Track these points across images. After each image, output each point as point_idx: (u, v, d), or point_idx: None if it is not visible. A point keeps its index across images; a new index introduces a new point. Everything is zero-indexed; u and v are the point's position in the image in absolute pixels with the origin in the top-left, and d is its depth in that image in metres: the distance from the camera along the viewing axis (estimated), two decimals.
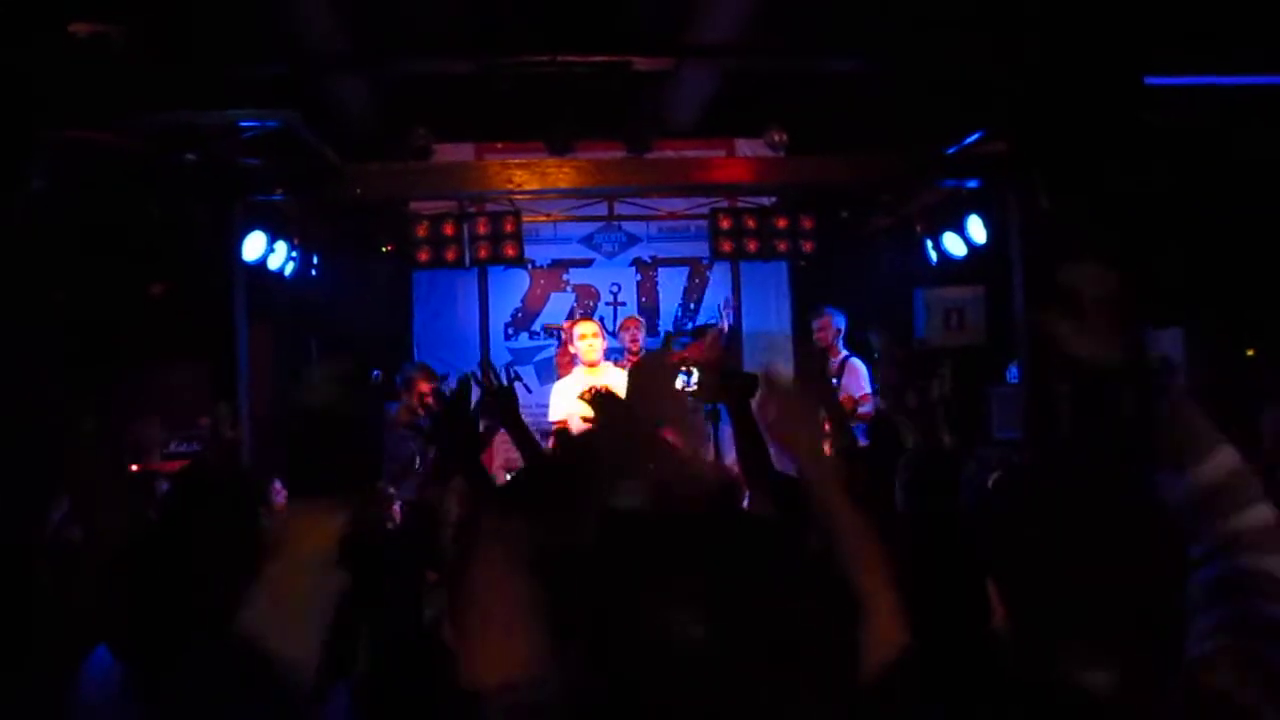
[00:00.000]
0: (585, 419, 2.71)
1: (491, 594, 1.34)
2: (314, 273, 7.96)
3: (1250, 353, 6.11)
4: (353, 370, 1.62)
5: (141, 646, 1.89)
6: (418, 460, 4.83)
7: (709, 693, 1.30)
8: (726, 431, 7.83)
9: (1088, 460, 1.95)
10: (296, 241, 7.50)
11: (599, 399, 2.75)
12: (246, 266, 6.67)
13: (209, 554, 1.94)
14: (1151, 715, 1.38)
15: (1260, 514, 1.61)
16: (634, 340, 7.43)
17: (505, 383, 3.00)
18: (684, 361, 5.12)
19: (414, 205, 8.09)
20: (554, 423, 6.43)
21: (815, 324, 7.51)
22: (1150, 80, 4.80)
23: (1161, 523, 1.64)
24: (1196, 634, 1.55)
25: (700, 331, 8.47)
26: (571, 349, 7.15)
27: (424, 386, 6.16)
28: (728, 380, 3.06)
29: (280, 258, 7.25)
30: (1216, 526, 1.61)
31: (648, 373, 1.68)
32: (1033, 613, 1.52)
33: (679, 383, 4.76)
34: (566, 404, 6.30)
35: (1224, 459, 1.65)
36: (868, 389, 7.26)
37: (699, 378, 4.54)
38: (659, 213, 8.66)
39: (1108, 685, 1.42)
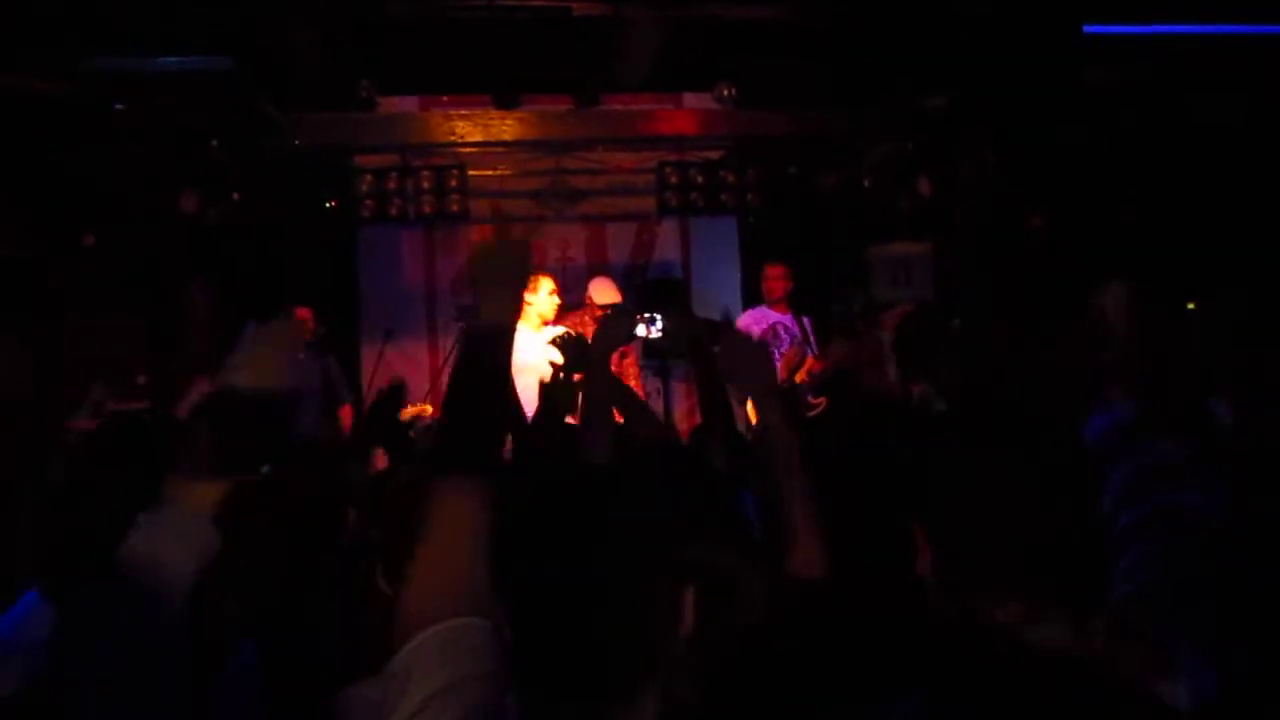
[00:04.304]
0: (554, 364, 2.74)
1: (440, 539, 1.33)
2: (255, 228, 7.81)
3: (1191, 306, 6.16)
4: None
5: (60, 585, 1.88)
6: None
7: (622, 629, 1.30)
8: (675, 387, 7.87)
9: (1016, 404, 1.95)
10: (236, 196, 7.35)
11: (567, 343, 2.77)
12: (184, 220, 6.54)
13: (119, 501, 1.92)
14: (1072, 657, 1.38)
15: (1166, 451, 1.62)
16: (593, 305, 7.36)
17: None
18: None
19: (359, 160, 7.97)
20: None
21: (770, 273, 7.40)
22: (1090, 29, 4.80)
23: (1087, 465, 1.64)
24: (1119, 575, 1.55)
25: (648, 286, 8.47)
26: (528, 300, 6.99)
27: None
28: (693, 328, 3.08)
29: (219, 212, 7.09)
30: (1129, 469, 1.62)
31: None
32: (958, 556, 1.51)
33: (641, 330, 4.74)
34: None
35: (1126, 405, 1.66)
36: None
37: (662, 325, 4.54)
38: (607, 168, 8.59)
39: (1032, 629, 1.41)
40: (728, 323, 2.30)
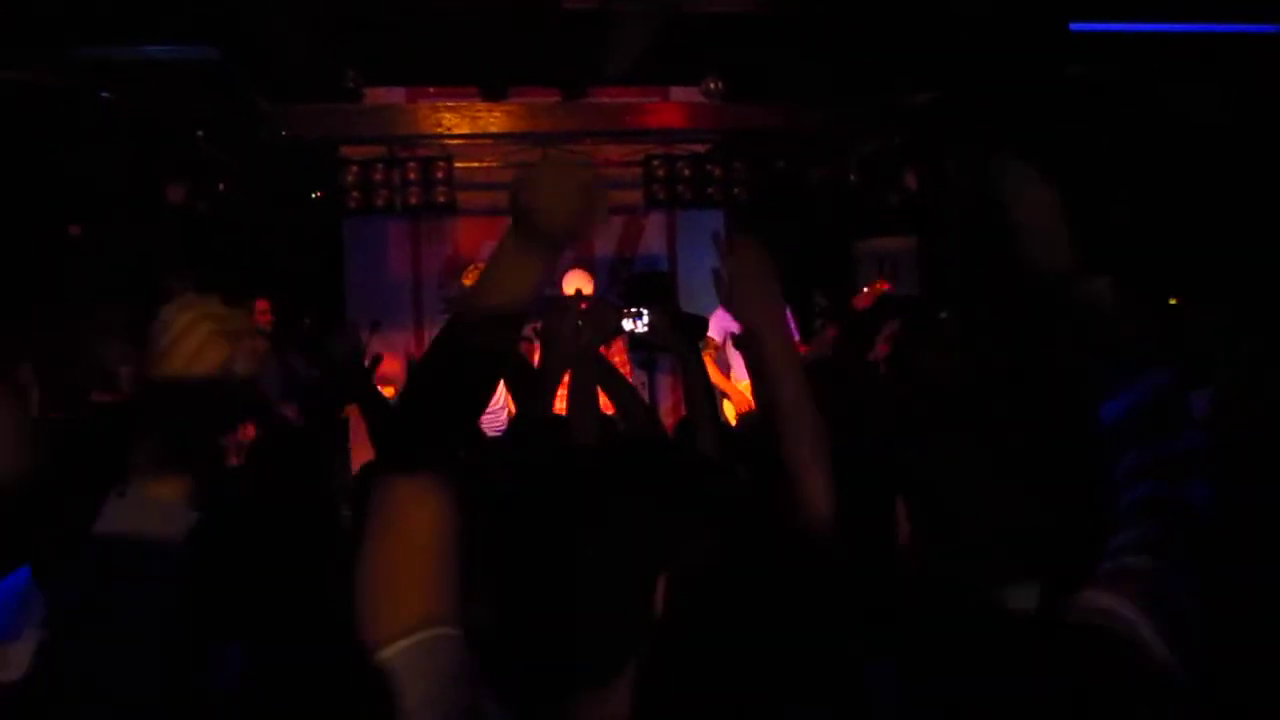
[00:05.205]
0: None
1: (403, 544, 1.31)
2: (241, 219, 7.78)
3: (1173, 301, 6.19)
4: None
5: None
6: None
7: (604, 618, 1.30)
8: (661, 379, 7.88)
9: (1007, 383, 1.96)
10: (223, 186, 7.32)
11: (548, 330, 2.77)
12: (170, 211, 6.51)
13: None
14: (1048, 632, 1.40)
15: (1189, 441, 1.63)
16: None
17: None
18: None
19: (345, 151, 7.95)
20: None
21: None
22: (1077, 27, 4.82)
23: (1080, 442, 1.64)
24: (1110, 552, 1.57)
25: (634, 280, 8.47)
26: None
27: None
28: (680, 323, 3.09)
29: (206, 203, 7.07)
30: (1146, 449, 1.62)
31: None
32: (940, 531, 1.53)
33: (628, 324, 4.76)
34: None
35: (1159, 380, 1.67)
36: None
37: (649, 320, 4.54)
38: (594, 160, 8.57)
39: (1012, 603, 1.43)
40: (736, 240, 2.15)
